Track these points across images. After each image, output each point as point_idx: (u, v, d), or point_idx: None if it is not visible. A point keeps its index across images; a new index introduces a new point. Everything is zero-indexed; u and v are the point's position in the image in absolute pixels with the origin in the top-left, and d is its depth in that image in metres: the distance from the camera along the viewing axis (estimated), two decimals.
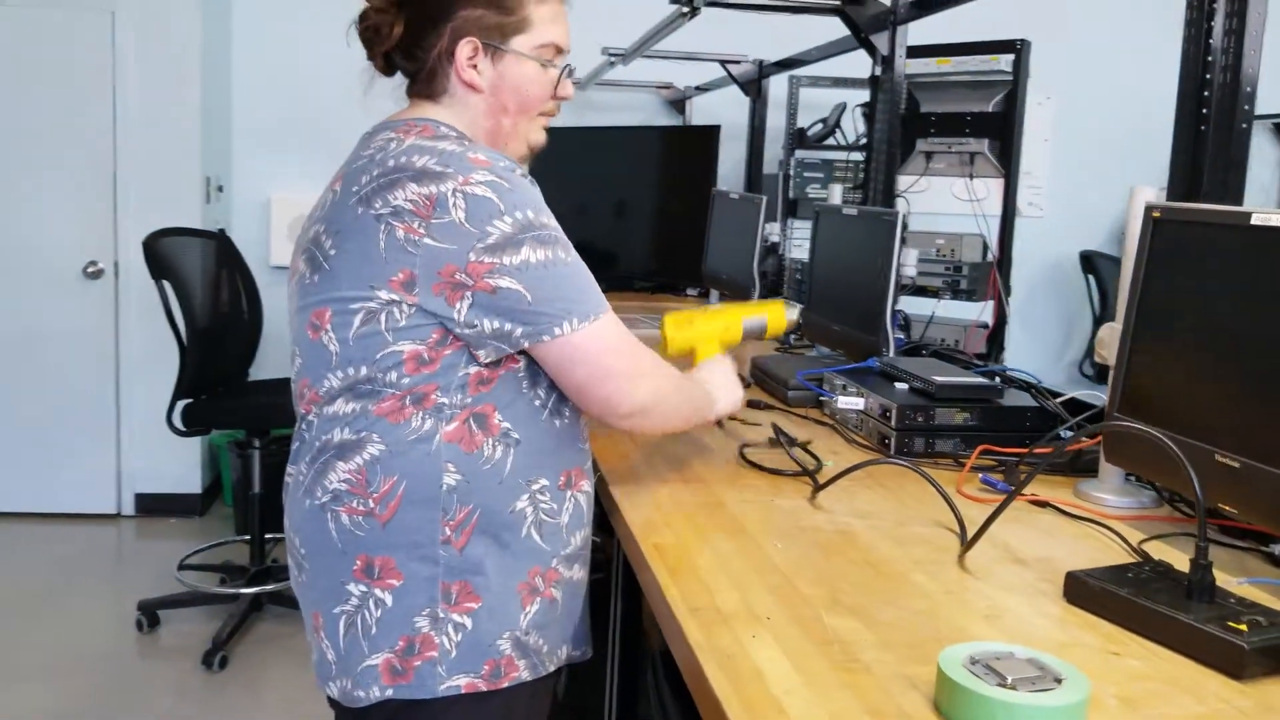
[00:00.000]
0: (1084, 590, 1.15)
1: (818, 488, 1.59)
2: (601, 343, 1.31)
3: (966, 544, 1.32)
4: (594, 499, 1.47)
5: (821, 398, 2.16)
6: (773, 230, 3.95)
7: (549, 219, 1.28)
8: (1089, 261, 5.19)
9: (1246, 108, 1.55)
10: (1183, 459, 1.08)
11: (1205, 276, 1.30)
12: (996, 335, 3.52)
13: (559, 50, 1.41)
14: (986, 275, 3.52)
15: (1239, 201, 1.56)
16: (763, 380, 2.40)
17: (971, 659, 0.92)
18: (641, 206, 4.74)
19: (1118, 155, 5.14)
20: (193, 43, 4.38)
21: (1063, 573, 1.19)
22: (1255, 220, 1.23)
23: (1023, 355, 4.80)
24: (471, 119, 1.39)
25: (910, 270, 2.80)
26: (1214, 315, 1.28)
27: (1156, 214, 1.38)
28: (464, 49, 1.35)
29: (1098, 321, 5.01)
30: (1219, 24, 1.54)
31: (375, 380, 1.28)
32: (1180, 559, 1.27)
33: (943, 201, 3.58)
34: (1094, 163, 5.19)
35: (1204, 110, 1.55)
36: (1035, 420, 1.82)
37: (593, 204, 4.73)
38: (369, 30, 1.37)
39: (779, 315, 1.83)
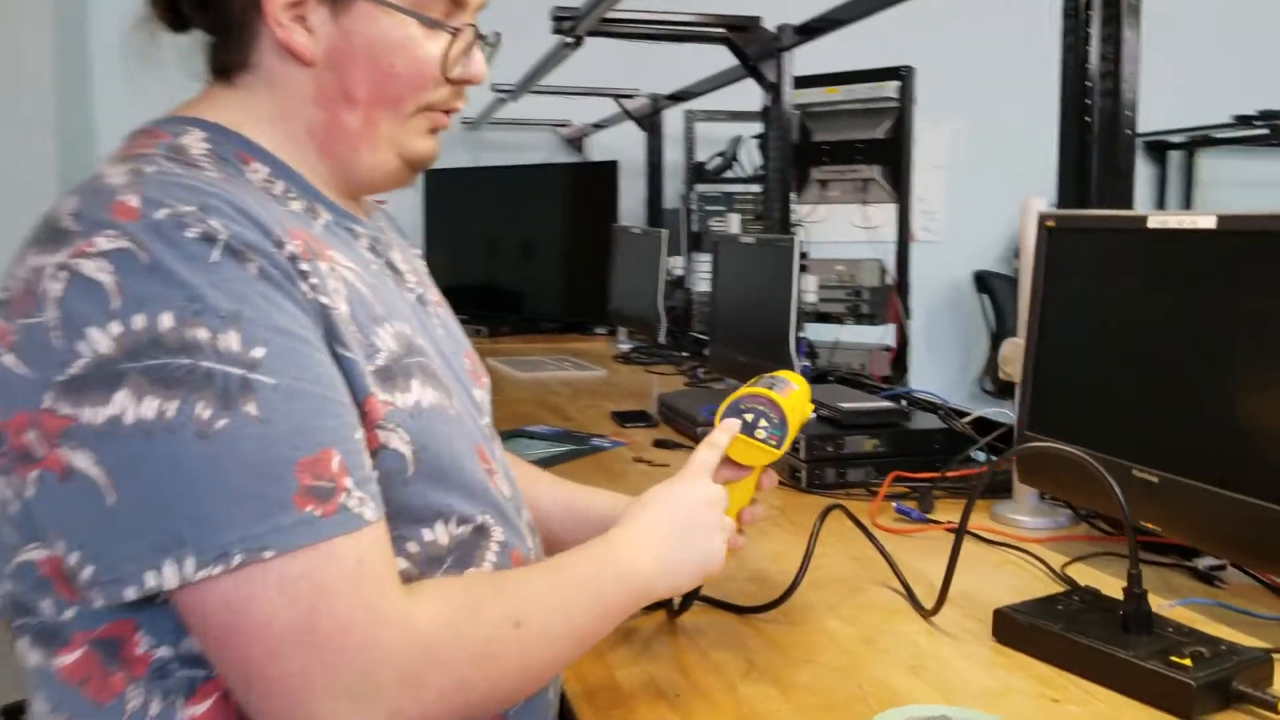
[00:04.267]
0: (1014, 628, 1.08)
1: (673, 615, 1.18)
2: (246, 619, 0.66)
3: (931, 609, 1.15)
4: None
5: None
6: (677, 264, 3.91)
7: (209, 334, 0.66)
8: (982, 281, 5.32)
9: (1129, 113, 1.52)
10: (1110, 480, 1.02)
11: (1104, 284, 1.25)
12: (900, 358, 3.52)
13: (456, 4, 0.85)
14: (885, 299, 3.53)
15: (1129, 209, 1.53)
16: (670, 418, 2.32)
17: None
18: (546, 246, 4.65)
19: (1008, 179, 5.21)
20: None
21: (987, 607, 1.12)
22: (1152, 223, 1.19)
23: (927, 375, 4.84)
24: (287, 109, 0.82)
25: (811, 296, 2.77)
26: (1116, 325, 1.23)
27: (1050, 223, 1.33)
28: None
29: (995, 339, 5.10)
30: (1095, 35, 1.51)
31: (31, 609, 0.73)
32: (1105, 581, 1.22)
33: (842, 229, 3.61)
34: (985, 186, 5.28)
35: (1087, 119, 1.52)
36: (944, 442, 1.76)
37: (498, 244, 4.61)
38: None
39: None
